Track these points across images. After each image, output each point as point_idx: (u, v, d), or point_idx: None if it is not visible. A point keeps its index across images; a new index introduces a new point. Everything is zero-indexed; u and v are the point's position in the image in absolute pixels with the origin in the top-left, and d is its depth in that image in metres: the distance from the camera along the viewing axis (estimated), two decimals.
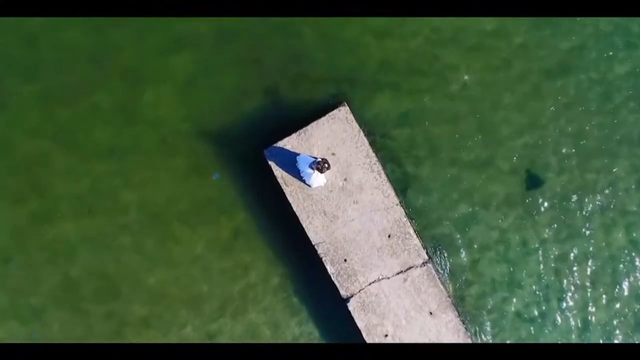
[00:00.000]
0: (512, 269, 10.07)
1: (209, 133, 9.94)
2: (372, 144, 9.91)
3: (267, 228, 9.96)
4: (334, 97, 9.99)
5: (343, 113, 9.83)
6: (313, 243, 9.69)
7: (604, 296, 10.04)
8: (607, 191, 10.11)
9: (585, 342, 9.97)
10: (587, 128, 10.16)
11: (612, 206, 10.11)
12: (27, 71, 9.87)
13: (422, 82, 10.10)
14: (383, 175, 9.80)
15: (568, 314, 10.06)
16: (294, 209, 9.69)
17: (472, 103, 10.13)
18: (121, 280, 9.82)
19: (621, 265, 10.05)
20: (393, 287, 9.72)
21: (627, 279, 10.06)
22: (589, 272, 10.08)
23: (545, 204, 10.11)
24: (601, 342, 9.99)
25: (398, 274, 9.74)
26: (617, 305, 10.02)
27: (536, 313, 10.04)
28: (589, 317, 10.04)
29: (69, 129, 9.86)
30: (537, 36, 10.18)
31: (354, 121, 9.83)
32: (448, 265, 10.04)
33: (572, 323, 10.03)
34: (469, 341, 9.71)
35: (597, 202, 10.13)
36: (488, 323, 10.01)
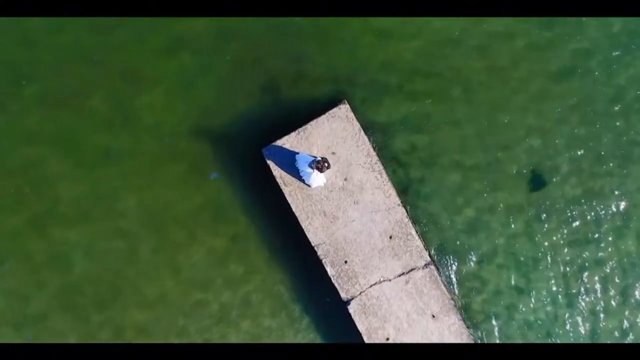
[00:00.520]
0: (519, 275, 9.85)
1: (207, 132, 9.79)
2: (373, 143, 9.69)
3: (266, 229, 9.80)
4: (334, 95, 9.78)
5: (343, 111, 9.61)
6: (313, 244, 9.50)
7: (613, 303, 9.71)
8: (616, 194, 9.78)
9: (588, 342, 9.76)
10: (595, 131, 9.89)
11: (622, 210, 9.81)
12: (25, 72, 9.77)
13: (425, 83, 9.89)
14: (384, 175, 9.56)
15: (577, 321, 9.81)
16: (293, 209, 9.52)
17: (476, 105, 9.90)
18: (119, 284, 9.75)
19: (633, 272, 9.77)
20: (395, 290, 9.51)
21: (638, 286, 9.77)
22: (597, 278, 9.81)
23: (553, 209, 9.86)
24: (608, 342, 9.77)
25: (400, 276, 9.52)
26: (627, 312, 9.68)
27: (544, 319, 9.81)
28: (599, 324, 9.78)
29: (67, 131, 9.76)
30: (543, 37, 9.92)
31: (355, 119, 9.61)
32: (453, 272, 9.80)
33: (582, 331, 9.79)
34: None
35: (606, 207, 9.87)
36: (494, 329, 9.77)
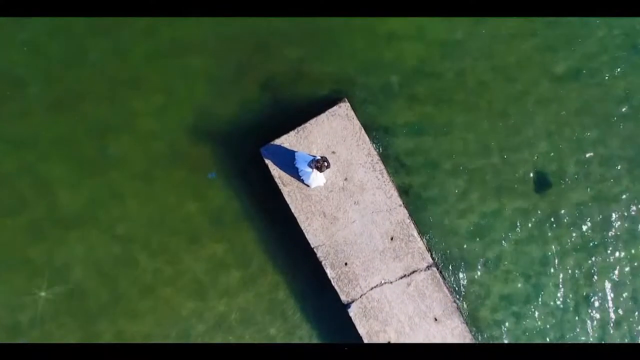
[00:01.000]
0: (526, 281, 9.61)
1: (205, 131, 9.65)
2: (374, 142, 9.45)
3: (264, 230, 9.63)
4: (334, 94, 9.58)
5: (344, 109, 9.38)
6: (312, 246, 9.31)
7: (622, 310, 9.37)
8: (625, 198, 9.45)
9: (590, 342, 9.54)
10: (603, 133, 9.64)
11: (632, 213, 9.55)
12: (22, 75, 9.68)
13: (428, 85, 9.68)
14: (385, 175, 9.32)
15: (586, 327, 9.56)
16: (292, 210, 9.33)
17: (480, 108, 9.68)
18: (118, 286, 9.72)
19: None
20: (396, 292, 9.28)
21: None
22: (607, 283, 9.50)
23: (559, 213, 9.62)
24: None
25: (401, 278, 9.29)
26: (638, 318, 9.33)
27: (552, 325, 9.57)
28: (609, 330, 9.48)
29: (65, 134, 9.65)
30: (549, 38, 9.68)
31: (355, 118, 9.38)
32: (458, 278, 9.56)
33: (591, 338, 9.52)
34: None
35: (615, 210, 9.61)
36: (500, 335, 9.54)
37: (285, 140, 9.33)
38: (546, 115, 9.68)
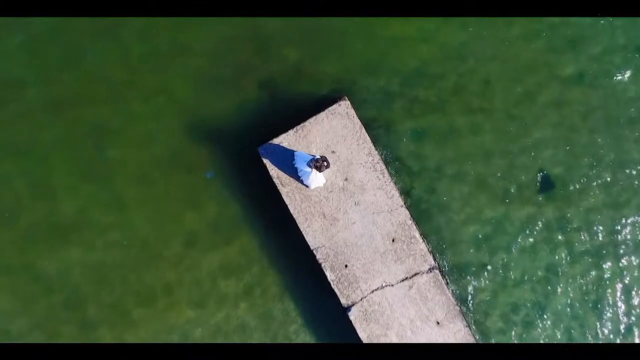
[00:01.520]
0: (536, 290, 9.41)
1: (204, 131, 9.51)
2: (375, 141, 9.22)
3: (263, 231, 9.48)
4: (334, 93, 9.39)
5: (343, 108, 9.16)
6: (311, 247, 9.14)
7: (632, 319, 9.04)
8: (635, 204, 9.10)
9: (592, 342, 9.35)
10: (612, 137, 9.36)
11: None
12: (17, 78, 9.58)
13: (432, 87, 9.47)
14: (386, 175, 9.09)
15: (595, 334, 9.29)
16: (291, 211, 9.16)
17: (485, 111, 9.46)
18: (117, 287, 9.68)
19: None
20: (397, 295, 9.08)
21: None
22: (618, 294, 9.24)
23: (567, 218, 9.39)
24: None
25: (403, 280, 9.08)
26: None
27: (560, 331, 9.35)
28: (618, 337, 9.26)
29: (62, 137, 9.56)
30: (558, 40, 9.41)
31: (356, 117, 9.16)
32: (463, 285, 9.33)
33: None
34: None
35: (624, 216, 9.34)
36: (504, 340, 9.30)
37: (284, 140, 9.15)
38: (553, 118, 9.42)
